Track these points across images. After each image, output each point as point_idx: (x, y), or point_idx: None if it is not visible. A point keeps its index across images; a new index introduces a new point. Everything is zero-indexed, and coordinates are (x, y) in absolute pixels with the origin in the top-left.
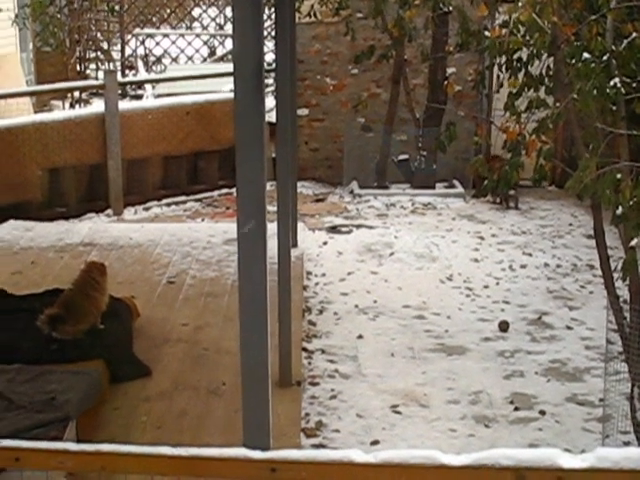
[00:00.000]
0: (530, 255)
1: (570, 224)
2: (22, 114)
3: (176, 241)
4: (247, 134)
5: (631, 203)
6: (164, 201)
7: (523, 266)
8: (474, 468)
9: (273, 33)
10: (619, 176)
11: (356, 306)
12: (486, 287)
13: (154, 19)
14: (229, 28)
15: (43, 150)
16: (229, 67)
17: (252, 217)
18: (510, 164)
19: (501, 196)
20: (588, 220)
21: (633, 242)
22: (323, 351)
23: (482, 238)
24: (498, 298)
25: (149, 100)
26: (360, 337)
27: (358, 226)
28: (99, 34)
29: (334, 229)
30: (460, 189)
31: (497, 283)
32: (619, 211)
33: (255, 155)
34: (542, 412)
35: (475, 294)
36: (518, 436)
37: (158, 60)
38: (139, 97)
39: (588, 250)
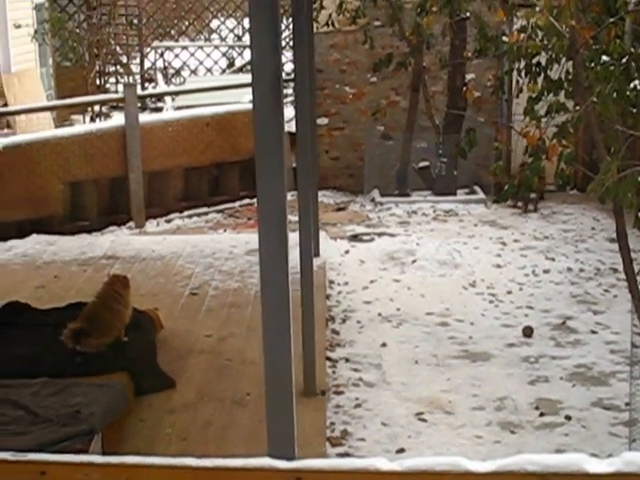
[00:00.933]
0: (553, 260)
1: (592, 228)
2: (43, 129)
3: (198, 252)
4: (266, 144)
5: None
6: (185, 213)
7: (546, 271)
8: (500, 474)
9: (291, 43)
10: None
11: (379, 314)
12: (509, 293)
13: (172, 32)
14: (247, 39)
15: (64, 164)
16: (248, 78)
17: (273, 227)
18: (531, 169)
19: (521, 199)
20: (610, 224)
21: None
22: (347, 360)
23: (504, 244)
24: (521, 303)
25: (169, 112)
26: (384, 345)
27: (380, 234)
28: (118, 48)
29: (356, 237)
30: (481, 195)
31: (520, 289)
32: None
33: (275, 165)
34: (568, 417)
35: (498, 300)
36: (544, 442)
37: (177, 72)
38: (159, 110)
39: (611, 254)
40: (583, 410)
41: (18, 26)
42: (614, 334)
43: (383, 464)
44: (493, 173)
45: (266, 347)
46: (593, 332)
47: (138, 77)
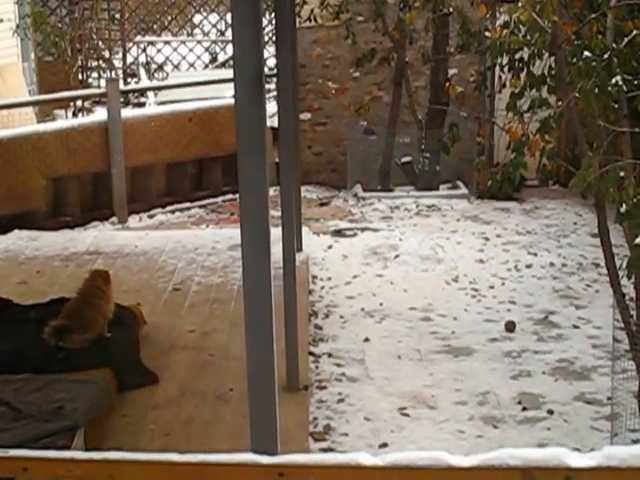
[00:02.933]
0: (535, 255)
1: (575, 223)
2: (25, 124)
3: (181, 248)
4: (248, 139)
5: (635, 200)
6: (168, 208)
7: (528, 266)
8: (482, 469)
9: (274, 38)
10: (622, 174)
11: (362, 309)
12: (492, 288)
13: (155, 27)
14: (230, 34)
15: (46, 159)
16: (231, 73)
17: (255, 223)
18: (513, 164)
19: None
20: (593, 219)
21: (638, 240)
22: (330, 355)
23: (487, 239)
24: (504, 298)
25: (151, 107)
26: (367, 340)
27: (363, 229)
28: (100, 43)
29: (339, 233)
30: (464, 190)
31: (503, 283)
32: (623, 209)
33: (257, 160)
34: (550, 411)
35: (481, 295)
36: (527, 436)
37: (160, 67)
38: (141, 105)
39: (593, 249)
40: (565, 404)
41: (0, 20)
42: (596, 329)
43: (366, 459)
44: (476, 168)
45: (249, 342)
46: (575, 327)
47: (121, 72)
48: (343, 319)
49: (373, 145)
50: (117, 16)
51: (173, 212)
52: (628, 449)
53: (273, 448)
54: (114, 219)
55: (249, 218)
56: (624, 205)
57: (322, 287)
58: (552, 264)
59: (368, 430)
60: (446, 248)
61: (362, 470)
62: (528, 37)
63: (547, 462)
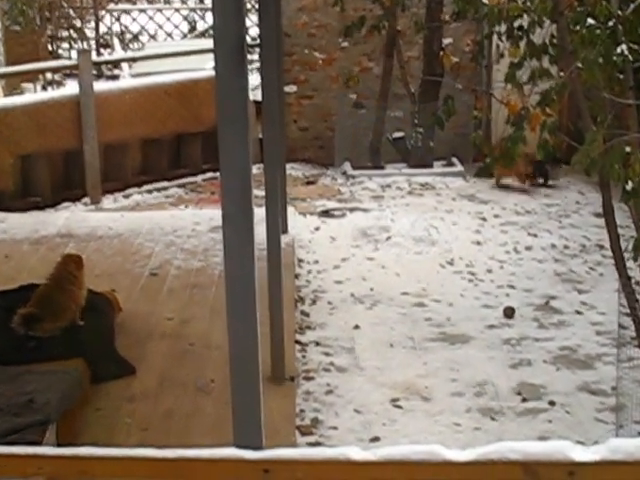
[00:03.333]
0: (535, 236)
1: (577, 202)
2: None
3: (158, 230)
4: (230, 114)
5: None
6: (145, 187)
7: (528, 248)
8: (481, 463)
9: (256, 5)
10: (628, 149)
11: (352, 295)
12: (489, 271)
13: None
14: (210, 1)
15: (14, 136)
16: (211, 43)
17: (238, 203)
18: (512, 139)
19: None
20: (596, 197)
21: None
22: (317, 343)
23: (484, 219)
24: (502, 283)
25: (126, 80)
26: (357, 327)
27: (352, 209)
28: (71, 11)
29: (326, 213)
30: (459, 167)
31: (501, 267)
32: (629, 187)
33: (239, 136)
34: (552, 403)
35: (478, 279)
36: (527, 429)
37: (135, 37)
38: (115, 77)
39: (597, 230)
40: (568, 395)
41: None
42: (600, 315)
43: (356, 453)
44: (472, 143)
45: (231, 330)
46: (578, 312)
47: (93, 42)
48: (331, 305)
49: (363, 120)
50: None
51: (150, 192)
52: (634, 442)
53: (257, 442)
54: (87, 199)
55: (231, 198)
56: (630, 183)
57: (309, 271)
58: (553, 246)
59: (358, 423)
60: (440, 229)
61: (352, 465)
62: (528, 3)
63: (549, 456)
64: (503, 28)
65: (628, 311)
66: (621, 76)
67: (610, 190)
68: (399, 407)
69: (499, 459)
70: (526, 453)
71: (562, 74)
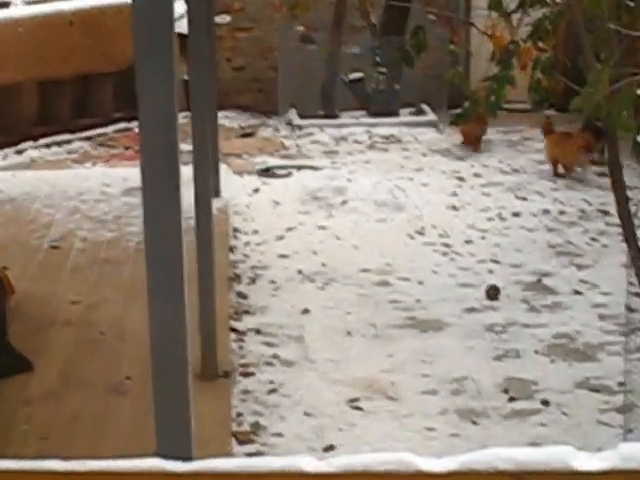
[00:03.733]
0: (525, 199)
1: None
2: None
3: (60, 193)
4: (150, 50)
5: None
6: (42, 141)
7: (516, 214)
8: (462, 474)
9: None
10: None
11: (299, 272)
12: (468, 242)
13: None
14: None
15: None
16: None
17: (160, 159)
18: (497, 79)
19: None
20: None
21: None
22: (258, 331)
23: (462, 179)
24: (484, 256)
25: (19, 8)
26: (306, 312)
27: (299, 167)
28: None
29: (268, 172)
30: (431, 116)
31: (483, 237)
32: None
33: (162, 76)
34: (545, 402)
35: (454, 252)
36: (515, 434)
37: None
38: (5, 5)
39: (600, 191)
40: (565, 393)
41: None
42: (603, 295)
43: (308, 464)
44: (449, 83)
45: (152, 316)
46: (577, 292)
47: None
48: (275, 285)
49: (312, 57)
50: None
51: (48, 146)
52: None
53: (185, 452)
54: None
55: (151, 153)
56: None
57: (247, 243)
58: (546, 212)
59: (309, 429)
60: (408, 191)
61: (304, 478)
62: None
63: (546, 465)
64: None
65: (638, 290)
66: (631, 3)
67: (617, 143)
68: (359, 409)
69: (485, 469)
70: (518, 461)
71: (558, 0)
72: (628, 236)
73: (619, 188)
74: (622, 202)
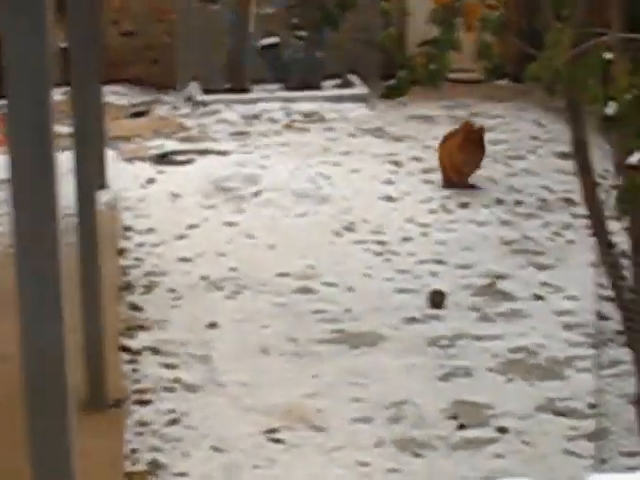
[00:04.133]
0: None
1: (534, 137)
2: None
3: None
4: (17, 7)
5: (630, 97)
6: None
7: (464, 205)
8: None
9: None
10: (609, 56)
11: (204, 278)
12: (407, 240)
13: None
14: None
15: None
16: None
17: (31, 143)
18: (438, 43)
19: None
20: (561, 130)
21: (634, 158)
22: (155, 350)
23: (398, 164)
24: (427, 256)
25: None
26: (213, 326)
27: (203, 152)
28: None
29: (165, 158)
30: (361, 88)
31: (424, 233)
32: (610, 110)
33: (31, 42)
34: (502, 429)
35: (390, 251)
36: (466, 467)
37: None
38: None
39: (563, 177)
40: (525, 418)
41: None
42: (569, 300)
43: None
44: (381, 46)
45: (24, 335)
46: (537, 297)
47: None
48: (175, 294)
49: (217, 19)
50: None
51: None
52: (623, 477)
53: None
54: None
55: (20, 138)
56: (611, 105)
57: (140, 244)
58: (500, 201)
59: (219, 467)
60: (334, 180)
61: None
62: None
63: None
64: None
65: (610, 294)
66: None
67: (582, 117)
68: (279, 441)
69: None
70: None
71: None
72: (596, 229)
73: (585, 171)
74: (589, 188)
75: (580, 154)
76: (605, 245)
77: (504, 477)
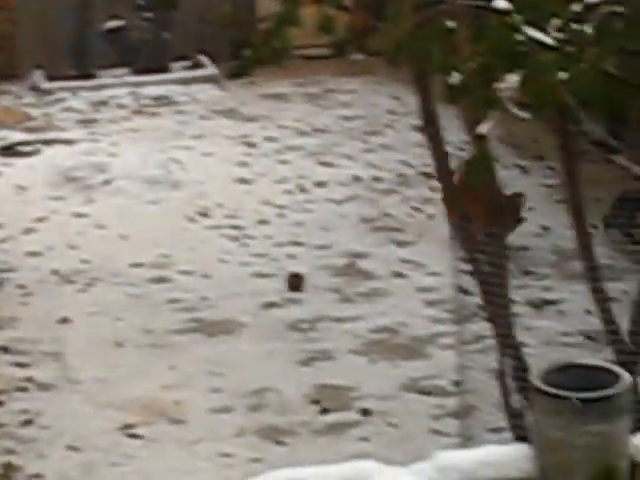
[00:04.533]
0: (331, 166)
1: (391, 112)
2: None
3: None
4: None
5: (473, 65)
6: None
7: (321, 184)
8: None
9: None
10: (450, 23)
11: (55, 272)
12: (263, 223)
13: None
14: None
15: None
16: None
17: None
18: (278, 19)
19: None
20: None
21: (483, 127)
22: (5, 349)
23: (252, 145)
24: (284, 238)
25: None
26: (65, 321)
27: (49, 142)
28: None
29: (9, 150)
30: (212, 69)
31: (280, 215)
32: (455, 79)
33: None
34: (366, 412)
35: (247, 235)
36: (330, 452)
37: None
38: None
39: (422, 150)
40: (389, 399)
41: None
42: (430, 276)
43: None
44: (219, 23)
45: None
46: (398, 275)
47: None
48: (24, 290)
49: (59, 4)
50: None
51: None
52: (471, 454)
53: None
54: None
55: None
56: (455, 74)
57: None
58: (358, 178)
59: (75, 466)
60: (186, 164)
61: None
62: None
63: None
64: None
65: (470, 268)
66: None
67: (429, 87)
68: (137, 437)
69: None
70: None
71: None
72: (448, 201)
73: (436, 143)
74: (441, 160)
75: (429, 125)
76: (459, 217)
77: (368, 460)
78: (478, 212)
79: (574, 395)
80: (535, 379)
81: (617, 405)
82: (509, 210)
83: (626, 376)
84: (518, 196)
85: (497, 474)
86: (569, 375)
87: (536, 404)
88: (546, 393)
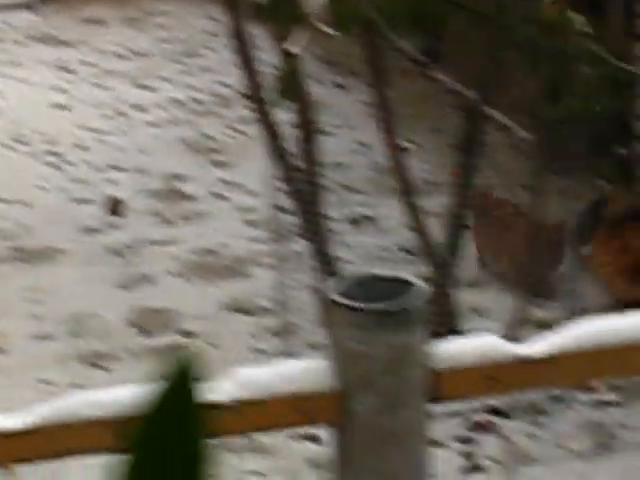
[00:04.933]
0: (149, 89)
1: (208, 33)
2: None
3: None
4: None
5: None
6: None
7: (139, 107)
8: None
9: None
10: None
11: None
12: (82, 148)
13: None
14: None
15: None
16: None
17: None
18: None
19: None
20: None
21: (295, 45)
22: None
23: (70, 70)
24: (102, 163)
25: None
26: None
27: None
28: None
29: None
30: None
31: (99, 139)
32: None
33: None
34: (186, 333)
35: (65, 161)
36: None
37: None
38: None
39: (239, 71)
40: (209, 319)
41: None
42: (251, 197)
43: None
44: None
45: None
46: (218, 196)
47: None
48: None
49: None
50: None
51: None
52: (273, 370)
53: None
54: None
55: None
56: None
57: None
58: (176, 101)
59: None
60: (2, 91)
61: None
62: None
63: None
64: None
65: (286, 187)
66: None
67: (237, 6)
68: None
69: (68, 421)
70: (109, 407)
71: None
72: (264, 121)
73: (246, 62)
74: (251, 79)
75: (239, 44)
76: (272, 135)
77: None
78: (511, 245)
79: (369, 306)
80: (331, 291)
81: (414, 316)
82: (550, 244)
83: (422, 287)
84: (561, 227)
85: (297, 388)
86: (367, 287)
87: (334, 317)
88: (342, 305)
